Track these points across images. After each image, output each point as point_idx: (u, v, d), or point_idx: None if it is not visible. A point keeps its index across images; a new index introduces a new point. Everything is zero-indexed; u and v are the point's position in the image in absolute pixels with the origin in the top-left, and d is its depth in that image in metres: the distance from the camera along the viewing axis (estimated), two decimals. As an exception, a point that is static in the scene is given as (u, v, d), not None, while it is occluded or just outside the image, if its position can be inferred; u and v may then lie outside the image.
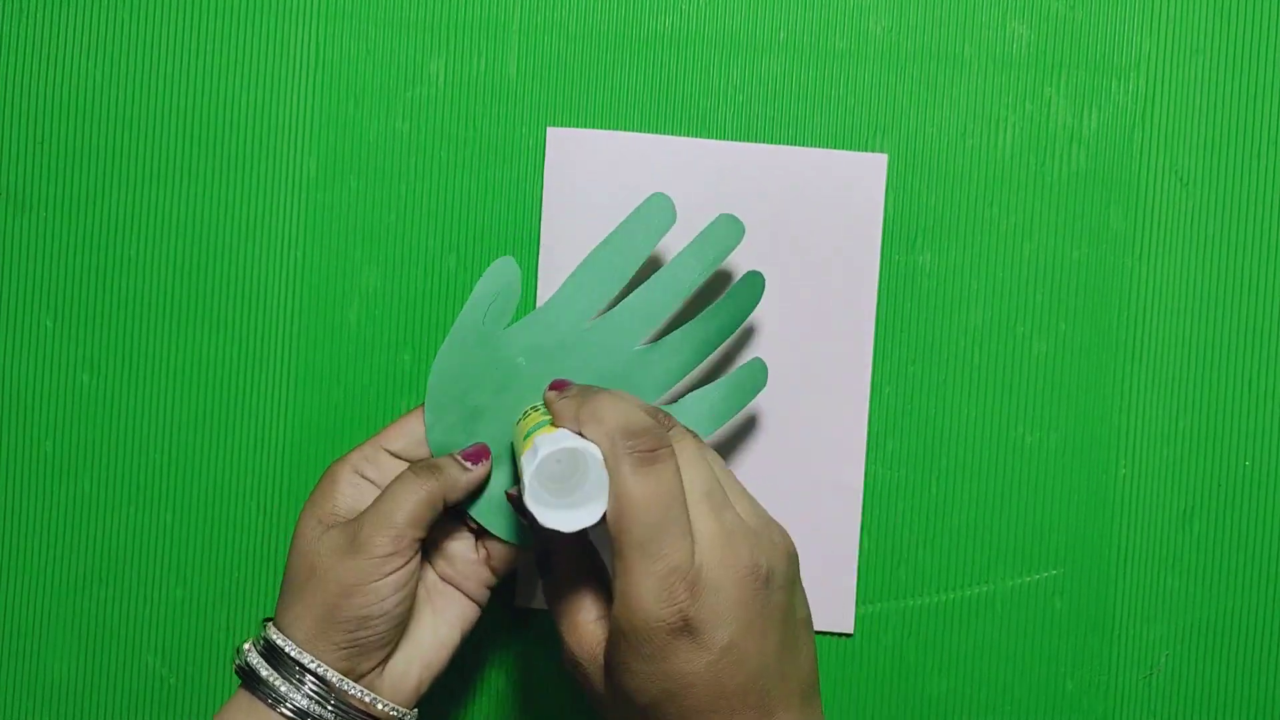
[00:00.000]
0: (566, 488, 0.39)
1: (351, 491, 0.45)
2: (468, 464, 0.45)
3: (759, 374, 0.48)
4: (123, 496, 0.51)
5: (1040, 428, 0.51)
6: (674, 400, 0.48)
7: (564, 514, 0.39)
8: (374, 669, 0.43)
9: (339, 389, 0.51)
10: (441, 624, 0.46)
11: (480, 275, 0.47)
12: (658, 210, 0.47)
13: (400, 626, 0.44)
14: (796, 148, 0.51)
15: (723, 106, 0.51)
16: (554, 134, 0.51)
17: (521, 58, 0.51)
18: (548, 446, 0.39)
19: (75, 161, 0.51)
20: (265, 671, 0.42)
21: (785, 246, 0.50)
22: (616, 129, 0.51)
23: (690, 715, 0.38)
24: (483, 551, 0.46)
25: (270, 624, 0.44)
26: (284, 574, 0.44)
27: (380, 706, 0.43)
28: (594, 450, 0.39)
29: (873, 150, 0.51)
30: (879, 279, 0.51)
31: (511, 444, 0.46)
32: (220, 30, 0.51)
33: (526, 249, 0.51)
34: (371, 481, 0.45)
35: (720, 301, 0.48)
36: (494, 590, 0.47)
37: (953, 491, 0.51)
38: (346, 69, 0.51)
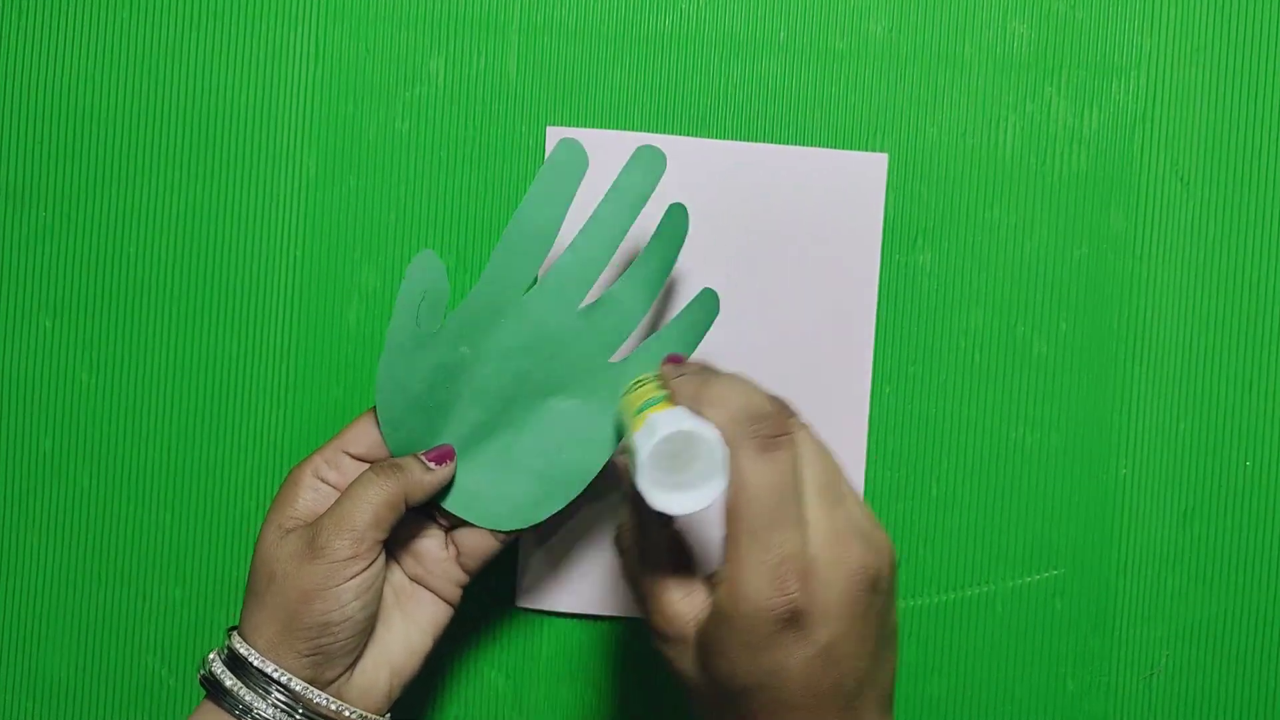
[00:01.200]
0: (679, 467, 0.37)
1: (312, 495, 0.44)
2: (431, 464, 0.44)
3: (711, 304, 0.47)
4: (121, 495, 0.51)
5: (1040, 428, 0.51)
6: (629, 353, 0.46)
7: (679, 496, 0.37)
8: (340, 676, 0.42)
9: (339, 388, 0.51)
10: (412, 627, 0.45)
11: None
12: (569, 156, 0.45)
13: (365, 632, 0.43)
14: (797, 147, 0.51)
15: (723, 106, 0.51)
16: (554, 133, 0.51)
17: (521, 57, 0.51)
18: (666, 428, 0.37)
19: (74, 161, 0.51)
20: (230, 681, 0.41)
21: (785, 246, 0.50)
22: (616, 129, 0.51)
23: (778, 708, 0.37)
24: (453, 549, 0.46)
25: (234, 633, 0.43)
26: (246, 581, 0.43)
27: (349, 714, 0.42)
28: (713, 433, 0.37)
29: (873, 150, 0.51)
30: (879, 279, 0.51)
31: (618, 415, 0.44)
32: (220, 29, 0.51)
33: (526, 248, 0.51)
34: (332, 485, 0.44)
35: (650, 244, 0.46)
36: (466, 590, 0.46)
37: (953, 492, 0.51)
38: (346, 68, 0.51)
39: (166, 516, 0.51)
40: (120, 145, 0.51)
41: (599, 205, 0.46)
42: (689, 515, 0.38)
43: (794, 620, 0.36)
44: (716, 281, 0.50)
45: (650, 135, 0.50)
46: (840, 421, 0.50)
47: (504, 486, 0.45)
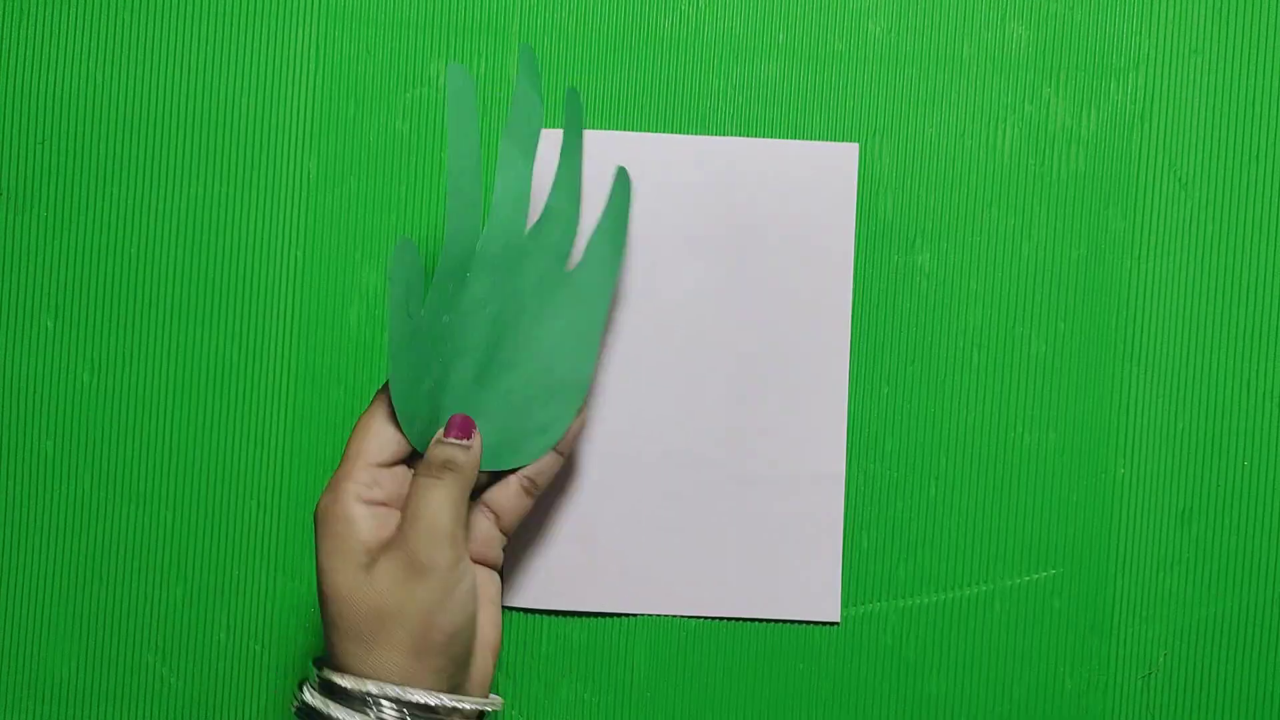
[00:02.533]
0: None
1: (371, 522, 0.42)
2: (463, 441, 0.43)
3: (625, 183, 0.49)
4: (123, 496, 0.52)
5: (1039, 428, 0.51)
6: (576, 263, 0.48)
7: None
8: (467, 677, 0.43)
9: (339, 388, 0.51)
10: (487, 605, 0.45)
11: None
12: (459, 82, 0.45)
13: (474, 628, 0.42)
14: (766, 139, 0.50)
15: (722, 107, 0.51)
16: (553, 135, 0.51)
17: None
18: None
19: (76, 162, 0.51)
20: None
21: (769, 239, 0.50)
22: (616, 129, 0.51)
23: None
24: (491, 515, 0.46)
25: (341, 675, 0.40)
26: (333, 633, 0.41)
27: (466, 708, 0.41)
28: None
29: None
30: (880, 279, 0.51)
31: None
32: (220, 31, 0.51)
33: (526, 249, 0.51)
34: (383, 503, 0.42)
35: (562, 149, 0.48)
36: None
37: (952, 491, 0.51)
38: (346, 70, 0.51)
39: (168, 516, 0.52)
40: (120, 146, 0.51)
41: (502, 141, 0.47)
42: None
43: None
44: (694, 274, 0.50)
45: (650, 135, 0.50)
46: (821, 409, 0.51)
47: (517, 425, 0.46)
